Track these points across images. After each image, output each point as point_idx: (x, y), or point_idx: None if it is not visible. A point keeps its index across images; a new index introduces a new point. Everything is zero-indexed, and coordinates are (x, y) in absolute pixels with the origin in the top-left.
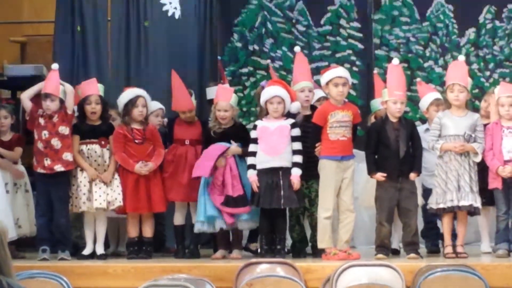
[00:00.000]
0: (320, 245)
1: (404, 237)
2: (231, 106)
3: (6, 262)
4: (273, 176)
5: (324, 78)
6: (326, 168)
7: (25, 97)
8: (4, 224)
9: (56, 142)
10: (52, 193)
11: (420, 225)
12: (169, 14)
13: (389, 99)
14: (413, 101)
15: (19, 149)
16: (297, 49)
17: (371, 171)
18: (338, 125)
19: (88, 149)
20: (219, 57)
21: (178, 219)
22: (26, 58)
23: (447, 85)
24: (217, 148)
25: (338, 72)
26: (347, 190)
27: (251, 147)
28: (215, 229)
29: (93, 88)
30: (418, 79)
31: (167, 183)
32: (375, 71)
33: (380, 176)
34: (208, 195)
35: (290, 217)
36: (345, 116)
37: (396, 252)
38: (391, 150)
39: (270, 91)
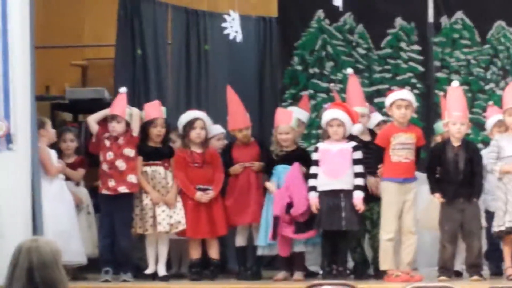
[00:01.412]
0: (382, 267)
1: (467, 259)
2: (292, 128)
3: (62, 283)
4: (334, 198)
5: (387, 100)
6: (388, 190)
7: (92, 120)
8: (61, 245)
9: (120, 164)
10: (115, 215)
11: (484, 247)
12: (230, 37)
13: (449, 120)
14: (474, 123)
15: (82, 170)
16: (349, 70)
17: (433, 190)
18: (400, 147)
19: (153, 170)
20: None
21: (240, 240)
22: (87, 81)
23: (504, 108)
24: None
25: (401, 94)
26: (409, 212)
27: (313, 169)
28: (278, 252)
29: (158, 111)
30: (490, 102)
31: (230, 207)
32: (441, 93)
33: (439, 197)
34: (269, 219)
35: (352, 239)
36: (408, 139)
37: (458, 274)
38: (450, 172)
39: (330, 114)
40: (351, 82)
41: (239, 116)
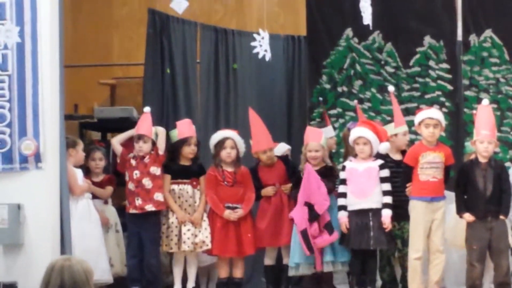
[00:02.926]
0: (410, 286)
1: (496, 277)
2: (321, 146)
3: None
4: (362, 217)
5: (416, 118)
6: (416, 209)
7: (116, 142)
8: (90, 264)
9: (147, 182)
10: (143, 234)
11: None
12: (260, 56)
13: (477, 138)
14: (503, 142)
15: (110, 188)
16: (391, 89)
17: (460, 211)
18: (429, 166)
19: (180, 189)
20: (320, 98)
21: (269, 259)
22: (116, 100)
23: None
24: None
25: (430, 113)
26: (437, 231)
27: (341, 188)
28: (310, 271)
29: (191, 129)
30: None
31: (263, 230)
32: (474, 111)
33: (469, 216)
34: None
35: (381, 258)
36: (437, 157)
37: None
38: (478, 190)
39: (356, 132)
40: (394, 101)
41: (262, 138)
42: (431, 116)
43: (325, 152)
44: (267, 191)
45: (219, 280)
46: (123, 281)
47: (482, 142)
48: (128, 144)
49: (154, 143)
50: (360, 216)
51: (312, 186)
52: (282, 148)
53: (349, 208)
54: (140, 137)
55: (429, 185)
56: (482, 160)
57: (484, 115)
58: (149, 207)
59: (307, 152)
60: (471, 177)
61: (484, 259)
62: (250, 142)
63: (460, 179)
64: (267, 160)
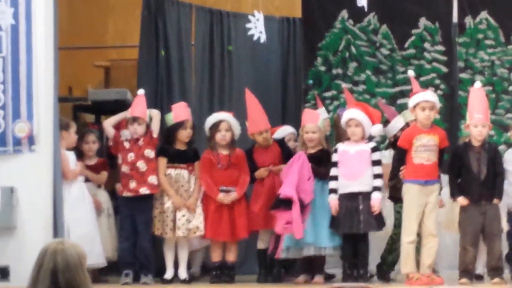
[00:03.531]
0: (403, 270)
1: (489, 261)
2: (319, 128)
3: (86, 286)
4: (353, 201)
5: (411, 101)
6: (410, 192)
7: (108, 124)
8: (84, 249)
9: (142, 165)
10: (136, 217)
11: (505, 250)
12: (255, 38)
13: (470, 122)
14: (498, 125)
15: (105, 173)
16: (411, 73)
17: (454, 195)
18: (423, 149)
19: (177, 173)
20: (310, 81)
21: (262, 243)
22: (110, 83)
23: None
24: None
25: (426, 96)
26: (430, 214)
27: (332, 171)
28: (300, 255)
29: (186, 112)
30: None
31: (257, 212)
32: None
33: (463, 200)
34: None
35: (389, 241)
36: (431, 140)
37: (479, 277)
38: (473, 173)
39: (347, 114)
40: (414, 85)
41: (258, 119)
42: (427, 99)
43: (322, 134)
44: (261, 173)
45: (212, 264)
46: (115, 265)
47: (476, 126)
48: (118, 126)
49: (148, 126)
50: (350, 199)
51: (304, 175)
52: (285, 131)
53: (340, 191)
54: (134, 119)
55: (423, 168)
56: (476, 143)
57: (476, 98)
58: (144, 190)
59: (304, 133)
60: (465, 160)
61: (477, 243)
62: (246, 123)
63: (454, 162)
64: (263, 142)
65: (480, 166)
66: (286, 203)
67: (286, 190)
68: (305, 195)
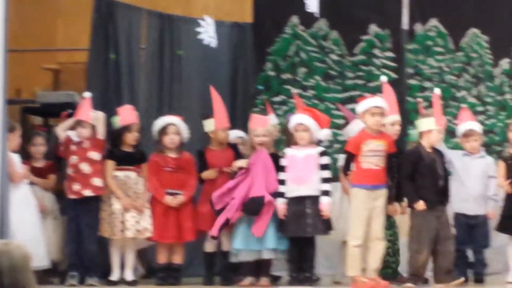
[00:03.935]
0: (349, 272)
1: (442, 265)
2: (269, 132)
3: (30, 287)
4: (299, 205)
5: (360, 106)
6: (358, 196)
7: (61, 130)
8: (29, 250)
9: (86, 167)
10: (81, 219)
11: None
12: (205, 42)
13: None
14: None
15: (52, 177)
16: (383, 78)
17: (412, 200)
18: (371, 154)
19: (125, 175)
20: (260, 87)
21: (209, 246)
22: (60, 85)
23: None
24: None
25: (376, 102)
26: (377, 218)
27: (281, 176)
28: (250, 258)
29: (133, 116)
30: (464, 105)
31: (205, 213)
32: (418, 99)
33: (422, 205)
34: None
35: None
36: (379, 146)
37: (425, 281)
38: (429, 179)
39: (295, 119)
40: (386, 90)
41: (224, 116)
42: (378, 105)
43: (272, 138)
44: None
45: (158, 266)
46: (59, 267)
47: (440, 132)
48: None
49: (94, 128)
50: (297, 203)
51: (269, 169)
52: (233, 134)
53: (288, 195)
54: (79, 122)
55: (371, 172)
56: (429, 148)
57: (439, 105)
58: (87, 192)
59: (254, 137)
60: (421, 165)
61: (431, 248)
62: (203, 123)
63: (408, 168)
64: (224, 139)
65: (437, 170)
66: (259, 204)
67: (258, 191)
68: (273, 187)
